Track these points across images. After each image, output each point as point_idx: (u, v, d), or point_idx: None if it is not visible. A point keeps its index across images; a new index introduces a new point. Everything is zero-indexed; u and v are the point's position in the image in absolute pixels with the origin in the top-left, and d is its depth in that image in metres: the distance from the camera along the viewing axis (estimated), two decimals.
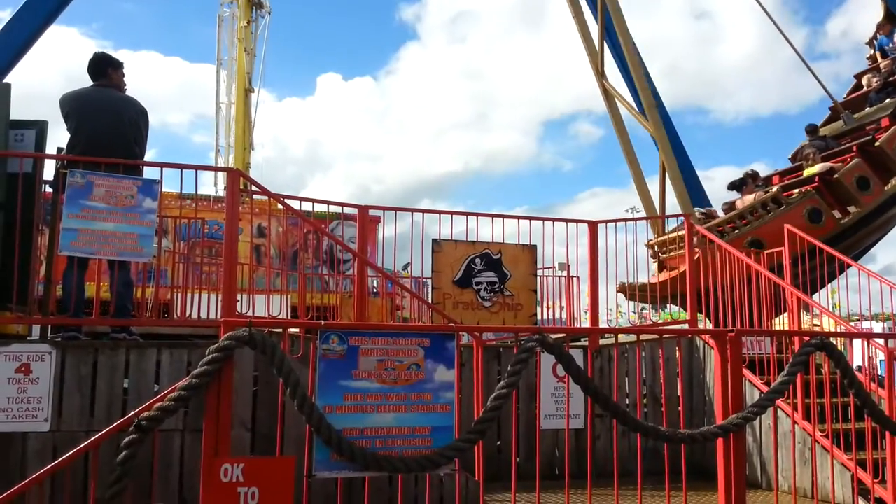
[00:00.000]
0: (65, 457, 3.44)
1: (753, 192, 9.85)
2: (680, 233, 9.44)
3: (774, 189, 9.77)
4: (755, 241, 8.78)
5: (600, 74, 13.44)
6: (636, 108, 12.79)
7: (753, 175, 10.32)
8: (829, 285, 8.37)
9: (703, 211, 10.44)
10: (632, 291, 8.26)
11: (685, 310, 8.10)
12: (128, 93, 6.08)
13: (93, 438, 3.44)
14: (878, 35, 12.65)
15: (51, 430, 4.89)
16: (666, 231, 10.42)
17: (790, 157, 11.54)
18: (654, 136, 12.18)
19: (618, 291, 8.37)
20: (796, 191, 9.82)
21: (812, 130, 11.41)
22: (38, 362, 4.89)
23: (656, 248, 10.05)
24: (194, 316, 6.62)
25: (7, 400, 4.80)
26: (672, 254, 9.50)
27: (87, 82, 5.99)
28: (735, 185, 10.31)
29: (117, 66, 6.00)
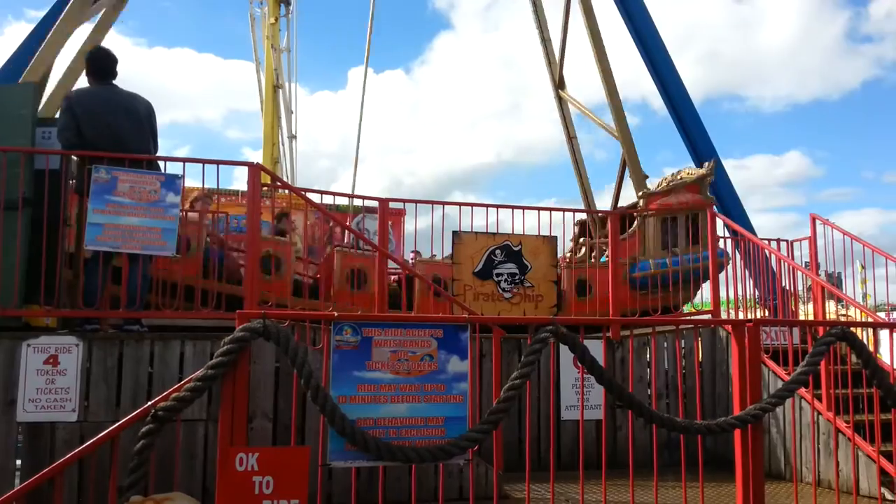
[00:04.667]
0: (86, 444, 3.54)
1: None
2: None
3: None
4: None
5: (557, 86, 13.66)
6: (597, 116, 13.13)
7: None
8: (860, 275, 8.22)
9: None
10: None
11: None
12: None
13: (112, 427, 3.53)
14: None
15: (78, 421, 5.02)
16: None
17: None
18: (619, 139, 12.36)
19: None
20: None
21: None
22: (66, 354, 5.03)
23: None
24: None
25: (36, 391, 4.94)
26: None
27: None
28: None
29: (117, 62, 6.01)
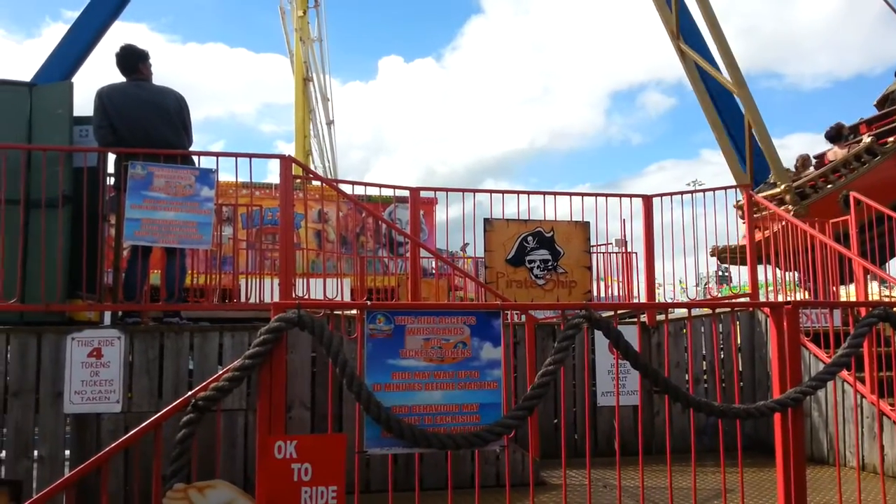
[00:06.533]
0: (130, 434, 3.62)
1: (847, 145, 9.32)
2: (774, 191, 9.16)
3: (868, 139, 9.05)
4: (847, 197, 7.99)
5: (676, 36, 13.04)
6: (715, 69, 12.45)
7: (840, 127, 9.75)
8: None
9: (797, 164, 9.88)
10: (723, 253, 7.99)
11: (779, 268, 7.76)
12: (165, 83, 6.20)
13: (154, 417, 3.61)
14: None
15: (122, 412, 5.15)
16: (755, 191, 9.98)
17: (875, 103, 10.75)
18: (738, 95, 11.73)
19: (710, 255, 8.11)
20: (892, 138, 9.09)
21: None
22: (109, 347, 5.15)
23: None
24: (258, 300, 6.83)
25: (81, 383, 5.08)
26: (765, 212, 9.06)
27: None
28: (830, 136, 9.78)
29: (146, 58, 6.05)
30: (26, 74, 7.55)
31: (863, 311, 4.69)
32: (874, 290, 8.14)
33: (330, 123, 30.35)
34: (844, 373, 5.79)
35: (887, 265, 7.71)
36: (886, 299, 8.04)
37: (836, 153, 9.38)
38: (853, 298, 7.14)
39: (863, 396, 5.88)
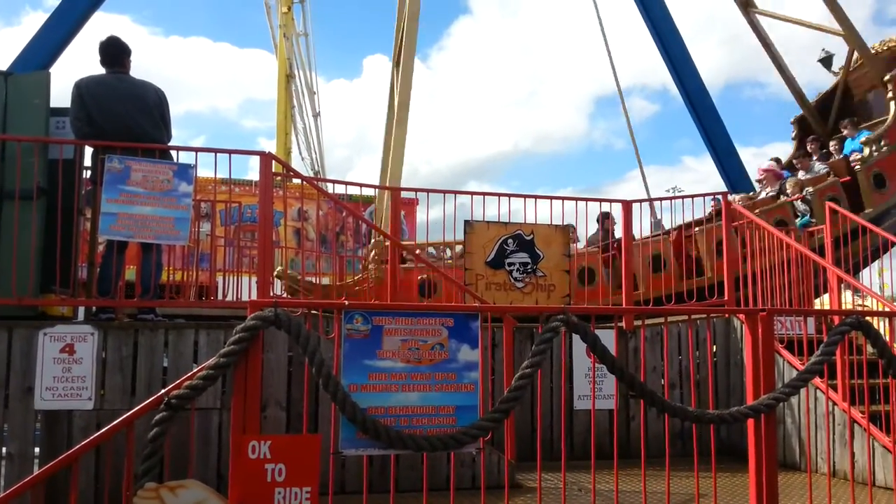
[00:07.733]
0: (102, 431, 3.57)
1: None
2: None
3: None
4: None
5: (397, 65, 11.96)
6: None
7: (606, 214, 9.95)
8: (875, 265, 8.14)
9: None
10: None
11: None
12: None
13: (126, 415, 3.56)
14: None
15: (94, 409, 5.08)
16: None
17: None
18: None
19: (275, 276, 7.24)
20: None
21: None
22: (82, 343, 5.07)
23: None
24: (235, 298, 6.78)
25: (53, 379, 5.00)
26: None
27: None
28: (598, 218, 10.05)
29: (129, 53, 5.99)
30: (3, 63, 7.43)
31: (836, 319, 4.76)
32: (847, 300, 8.26)
33: (317, 115, 30.22)
34: (817, 380, 5.89)
35: (860, 275, 7.83)
36: (860, 308, 8.17)
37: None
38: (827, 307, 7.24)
39: (835, 404, 5.96)
